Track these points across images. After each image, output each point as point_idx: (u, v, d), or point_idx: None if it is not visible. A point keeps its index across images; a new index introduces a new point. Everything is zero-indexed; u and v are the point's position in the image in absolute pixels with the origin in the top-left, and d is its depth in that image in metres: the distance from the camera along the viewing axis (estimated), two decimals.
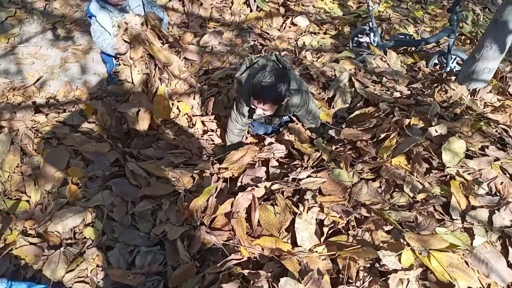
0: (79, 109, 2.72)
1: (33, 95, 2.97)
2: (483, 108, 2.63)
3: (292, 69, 2.43)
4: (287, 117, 2.68)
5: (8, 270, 1.81)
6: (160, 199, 2.04)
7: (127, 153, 2.38)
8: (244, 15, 4.55)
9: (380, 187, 1.91)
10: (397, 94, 2.76)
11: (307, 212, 1.81)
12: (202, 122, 2.94)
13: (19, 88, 3.03)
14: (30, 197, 2.09)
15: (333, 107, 2.81)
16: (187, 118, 2.92)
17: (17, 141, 2.28)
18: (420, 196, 1.82)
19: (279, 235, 1.81)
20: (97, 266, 1.81)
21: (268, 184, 1.98)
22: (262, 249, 1.74)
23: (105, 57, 3.06)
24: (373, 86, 2.93)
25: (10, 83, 3.11)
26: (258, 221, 1.84)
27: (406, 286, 1.53)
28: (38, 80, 3.20)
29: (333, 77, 3.09)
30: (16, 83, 3.11)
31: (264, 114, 2.26)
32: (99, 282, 1.76)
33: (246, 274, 1.60)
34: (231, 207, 1.92)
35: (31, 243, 1.88)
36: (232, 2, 4.64)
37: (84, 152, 2.29)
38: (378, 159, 2.05)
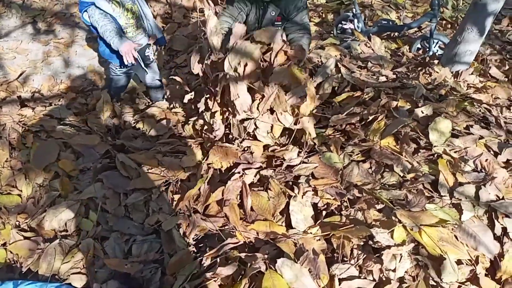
0: (66, 102, 2.70)
1: (17, 90, 2.91)
2: (466, 89, 2.70)
3: None
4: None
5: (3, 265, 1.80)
6: (152, 189, 2.04)
7: (117, 146, 2.37)
8: None
9: (370, 168, 1.95)
10: (383, 78, 2.79)
11: (302, 197, 1.84)
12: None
13: (2, 83, 2.96)
14: (21, 191, 2.06)
15: (320, 92, 2.83)
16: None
17: (5, 136, 2.24)
18: (409, 175, 1.87)
19: (273, 219, 1.84)
20: (94, 256, 1.81)
21: (260, 170, 2.00)
22: (257, 233, 1.77)
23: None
24: (359, 71, 2.97)
25: None
26: (251, 207, 1.86)
27: (399, 261, 1.58)
28: (21, 74, 3.13)
29: (320, 64, 3.11)
30: None
31: None
32: (96, 272, 1.76)
33: (243, 257, 1.63)
34: (222, 195, 1.93)
35: (25, 237, 1.86)
36: None
37: (74, 144, 2.27)
38: (367, 141, 2.09)
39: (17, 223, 1.95)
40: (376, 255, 1.60)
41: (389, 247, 1.59)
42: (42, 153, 2.17)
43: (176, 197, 1.97)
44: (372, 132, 2.11)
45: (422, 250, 1.62)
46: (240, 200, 1.93)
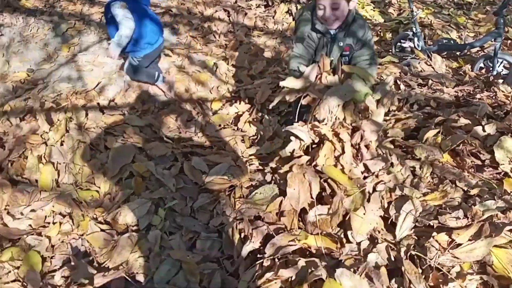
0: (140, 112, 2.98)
1: (94, 99, 3.19)
2: None
3: None
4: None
5: (80, 251, 1.99)
6: (218, 192, 2.17)
7: (187, 152, 2.59)
8: (287, 23, 4.68)
9: (433, 182, 1.94)
10: (445, 96, 2.76)
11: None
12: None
13: (81, 92, 3.26)
14: (99, 187, 2.27)
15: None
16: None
17: (88, 138, 2.53)
18: (474, 191, 1.84)
19: (333, 230, 1.86)
20: (160, 247, 1.95)
21: None
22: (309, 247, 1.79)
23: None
24: (420, 88, 2.96)
25: (72, 88, 3.36)
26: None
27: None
28: (97, 85, 3.44)
29: (379, 80, 3.13)
30: (77, 88, 3.36)
31: (332, 16, 2.19)
32: (161, 261, 1.89)
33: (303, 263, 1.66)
34: (280, 206, 1.98)
35: (101, 230, 2.05)
36: (275, 12, 4.79)
37: (148, 150, 2.51)
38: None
39: (94, 216, 2.14)
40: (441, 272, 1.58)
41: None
42: (119, 155, 2.40)
43: (240, 202, 2.06)
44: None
45: (489, 268, 1.57)
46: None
